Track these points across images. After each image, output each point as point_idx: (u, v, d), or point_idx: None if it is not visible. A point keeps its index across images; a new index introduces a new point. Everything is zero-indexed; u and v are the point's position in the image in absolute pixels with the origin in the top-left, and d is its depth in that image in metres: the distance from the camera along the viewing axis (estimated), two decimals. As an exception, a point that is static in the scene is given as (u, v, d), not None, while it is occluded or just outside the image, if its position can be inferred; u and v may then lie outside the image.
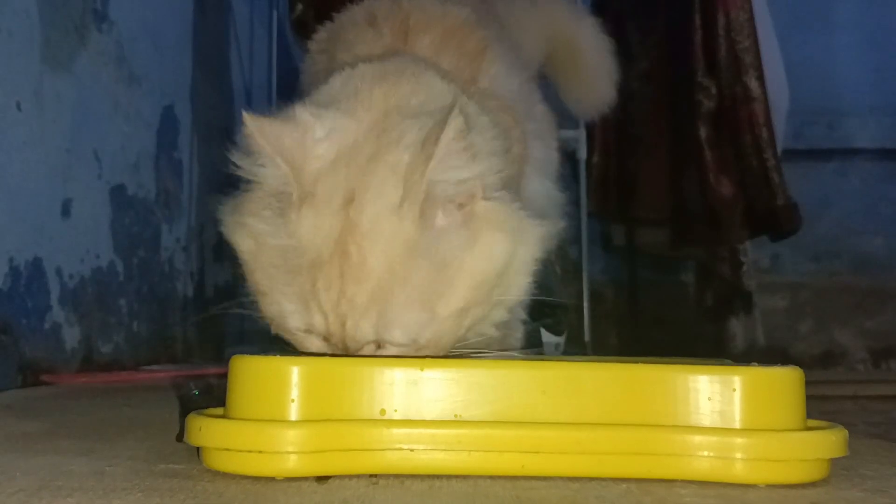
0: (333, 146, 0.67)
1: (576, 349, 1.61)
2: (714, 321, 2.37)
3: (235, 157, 0.67)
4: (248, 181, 0.69)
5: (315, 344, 0.67)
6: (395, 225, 0.63)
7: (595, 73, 1.35)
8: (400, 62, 0.77)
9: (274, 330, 0.69)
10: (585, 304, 1.72)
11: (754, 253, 2.38)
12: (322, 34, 0.95)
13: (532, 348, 0.80)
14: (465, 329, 0.68)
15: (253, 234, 0.68)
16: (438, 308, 0.65)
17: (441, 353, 0.67)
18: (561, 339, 1.45)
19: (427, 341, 0.65)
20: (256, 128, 0.64)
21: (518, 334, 0.91)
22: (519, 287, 0.72)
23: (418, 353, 0.66)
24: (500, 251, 0.67)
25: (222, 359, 1.63)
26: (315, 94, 0.75)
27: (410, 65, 0.76)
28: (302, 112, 0.68)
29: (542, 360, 0.65)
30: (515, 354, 0.72)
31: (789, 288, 2.65)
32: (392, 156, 0.65)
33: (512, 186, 0.72)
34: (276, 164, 0.65)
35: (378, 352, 0.65)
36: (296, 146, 0.65)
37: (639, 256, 2.48)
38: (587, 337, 1.68)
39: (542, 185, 0.98)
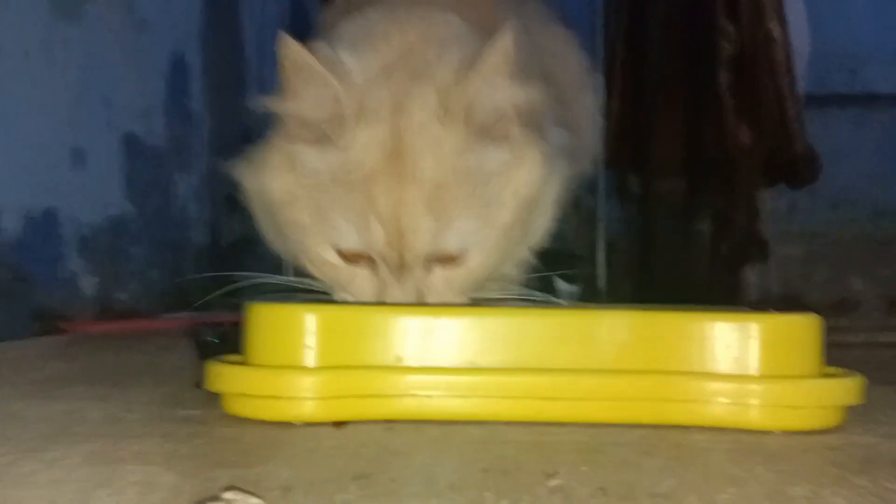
0: (362, 72, 0.67)
1: (591, 298, 1.60)
2: (729, 270, 2.35)
3: (263, 100, 0.68)
4: (267, 132, 0.69)
5: (361, 279, 0.67)
6: (441, 132, 0.65)
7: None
8: (417, 7, 0.76)
9: (316, 268, 0.69)
10: (601, 253, 1.71)
11: (771, 201, 2.35)
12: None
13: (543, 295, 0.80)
14: (503, 255, 0.69)
15: (292, 166, 0.68)
16: (490, 217, 0.66)
17: (481, 283, 0.69)
18: (576, 288, 1.45)
19: (479, 256, 0.67)
20: (301, 51, 0.63)
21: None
22: (541, 228, 0.74)
23: (467, 281, 0.67)
24: (538, 177, 0.69)
25: (237, 307, 1.64)
26: (325, 38, 0.74)
27: (427, 9, 0.76)
28: (322, 47, 0.68)
29: (558, 306, 0.65)
30: (533, 299, 0.72)
31: (805, 236, 2.62)
32: (434, 73, 0.67)
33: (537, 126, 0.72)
34: (325, 83, 0.64)
35: (427, 282, 0.66)
36: (336, 66, 0.66)
37: (654, 205, 2.46)
38: (602, 285, 1.67)
39: (560, 133, 0.98)
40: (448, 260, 0.67)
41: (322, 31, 0.82)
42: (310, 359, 0.56)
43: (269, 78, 2.18)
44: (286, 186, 0.68)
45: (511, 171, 0.67)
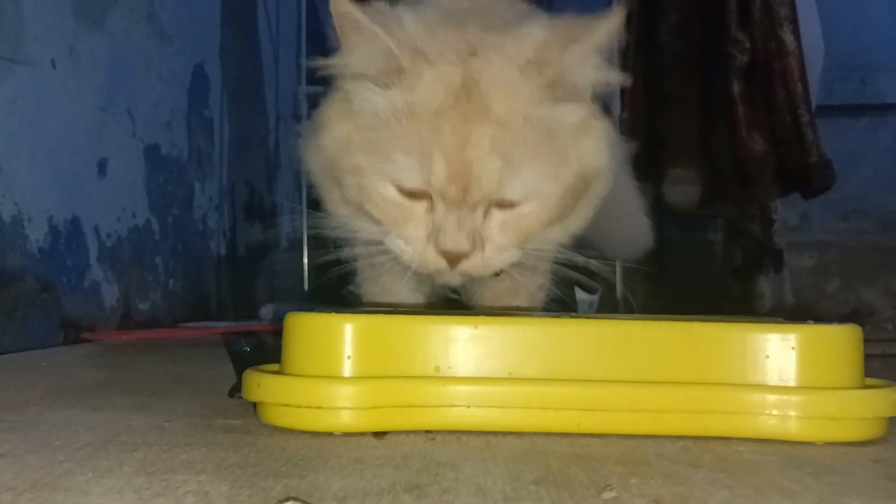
0: (426, 16, 0.68)
1: (609, 308, 1.61)
2: (743, 279, 2.35)
3: (319, 61, 0.68)
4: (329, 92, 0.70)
5: (417, 219, 0.67)
6: (521, 80, 0.65)
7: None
8: None
9: (376, 211, 0.68)
10: (618, 262, 1.71)
11: (783, 211, 2.35)
12: None
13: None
14: (557, 215, 0.69)
15: (349, 113, 0.68)
16: (554, 172, 0.66)
17: (534, 237, 0.69)
18: (595, 298, 1.45)
19: (538, 206, 0.67)
20: (347, 5, 0.64)
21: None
22: (582, 217, 0.74)
23: (521, 228, 0.67)
24: (602, 149, 0.69)
25: (255, 316, 1.65)
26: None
27: None
28: (379, 3, 0.68)
29: (596, 317, 0.65)
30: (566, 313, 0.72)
31: (817, 246, 2.62)
32: (518, 29, 0.67)
33: None
34: (378, 40, 0.64)
35: (485, 225, 0.66)
36: (387, 19, 0.66)
37: (667, 214, 2.46)
38: (619, 295, 1.67)
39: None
40: (508, 205, 0.67)
41: None
42: (348, 368, 0.56)
43: (286, 89, 2.20)
44: (344, 132, 0.68)
45: (579, 135, 0.68)
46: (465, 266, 0.67)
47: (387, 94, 0.66)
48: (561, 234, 0.74)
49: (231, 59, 1.86)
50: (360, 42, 0.65)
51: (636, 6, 2.21)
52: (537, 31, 0.67)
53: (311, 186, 0.77)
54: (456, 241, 0.65)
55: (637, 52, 2.23)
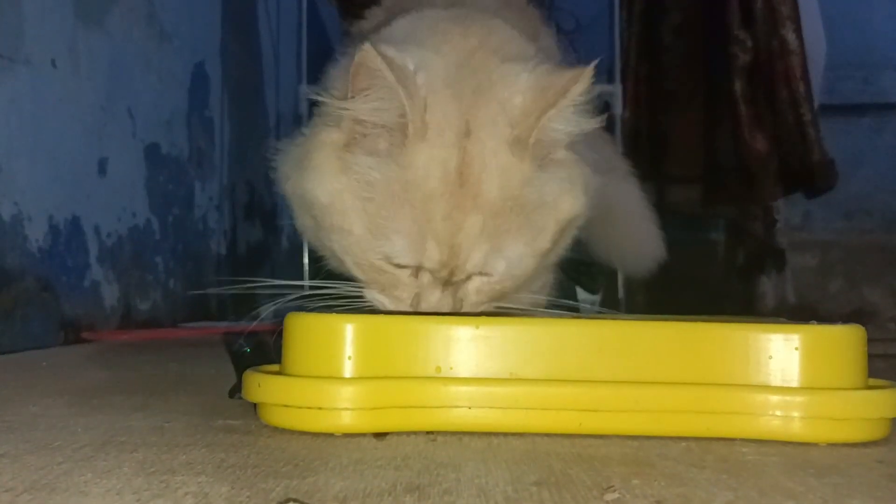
0: (428, 79, 0.67)
1: (610, 307, 1.60)
2: (745, 279, 2.35)
3: (327, 95, 0.68)
4: (317, 120, 0.70)
5: (404, 285, 0.67)
6: (511, 160, 0.66)
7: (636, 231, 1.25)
8: (467, 9, 0.77)
9: (360, 269, 0.69)
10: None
11: (785, 211, 2.35)
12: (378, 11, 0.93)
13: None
14: (534, 274, 0.71)
15: (346, 171, 0.67)
16: (536, 244, 0.68)
17: (508, 295, 0.70)
18: (596, 298, 1.45)
19: (514, 277, 0.68)
20: (379, 60, 0.63)
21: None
22: (567, 242, 0.75)
23: (496, 291, 0.68)
24: (581, 205, 0.70)
25: (255, 316, 1.64)
26: (378, 36, 0.74)
27: (478, 12, 0.77)
28: (386, 48, 0.66)
29: (599, 318, 0.65)
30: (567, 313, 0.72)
31: (820, 246, 2.61)
32: (503, 94, 0.67)
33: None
34: (394, 97, 0.64)
35: (463, 291, 0.67)
36: (403, 78, 0.65)
37: (669, 214, 2.45)
38: (621, 295, 1.67)
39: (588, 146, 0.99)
40: (486, 274, 0.68)
41: (369, 31, 0.81)
42: (349, 369, 0.56)
43: (286, 88, 2.20)
44: (337, 192, 0.67)
45: (559, 199, 0.69)
46: None
47: (383, 168, 0.66)
48: (539, 281, 0.76)
49: (231, 58, 1.86)
50: (375, 93, 0.65)
51: (639, 6, 2.21)
52: (517, 95, 0.67)
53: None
54: (440, 307, 0.67)
55: (639, 51, 2.23)
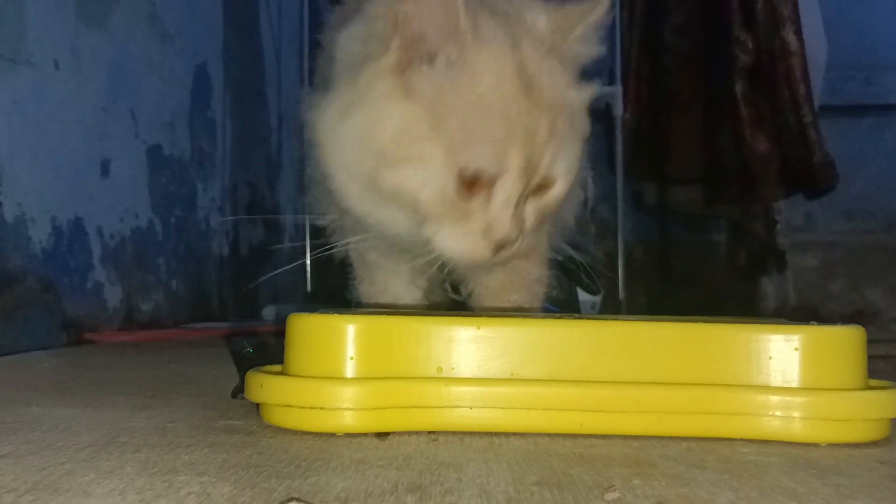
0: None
1: (611, 308, 1.60)
2: (746, 280, 2.35)
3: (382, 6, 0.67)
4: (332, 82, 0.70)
5: (477, 223, 0.67)
6: (554, 65, 0.69)
7: None
8: None
9: (423, 204, 0.66)
10: (621, 263, 1.71)
11: (787, 211, 2.35)
12: None
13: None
14: (571, 191, 0.74)
15: (410, 92, 0.65)
16: (577, 149, 0.71)
17: (553, 216, 0.74)
18: (597, 299, 1.45)
19: (565, 187, 0.71)
20: None
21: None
22: (576, 198, 0.80)
23: (547, 211, 0.71)
24: (588, 122, 0.73)
25: (258, 317, 1.65)
26: None
27: None
28: None
29: (599, 318, 0.65)
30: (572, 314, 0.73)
31: (821, 247, 2.61)
32: (525, 16, 0.70)
33: None
34: (446, 3, 0.64)
35: (527, 212, 0.69)
36: None
37: (670, 215, 2.46)
38: (622, 296, 1.67)
39: None
40: (541, 189, 0.70)
41: None
42: (351, 369, 0.56)
43: (288, 89, 2.20)
44: (402, 117, 0.65)
45: (580, 115, 0.72)
46: (506, 253, 0.68)
47: (450, 76, 0.64)
48: (563, 218, 0.80)
49: (233, 59, 1.86)
50: (430, 5, 0.64)
51: (640, 6, 2.21)
52: (541, 20, 0.70)
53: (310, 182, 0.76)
54: (511, 230, 0.67)
55: (641, 52, 2.23)
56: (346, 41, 0.71)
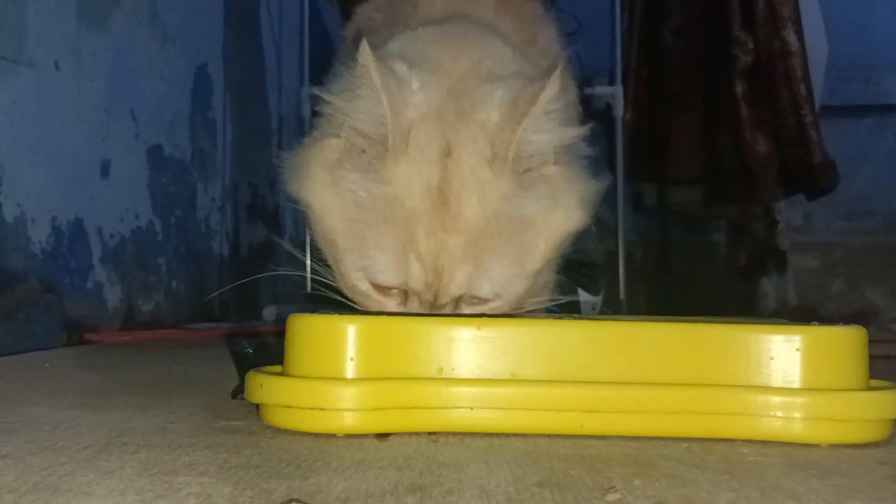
0: (425, 101, 0.67)
1: (612, 308, 1.60)
2: (746, 280, 2.35)
3: (326, 93, 0.67)
4: (317, 133, 0.70)
5: (390, 309, 0.67)
6: (490, 178, 0.65)
7: None
8: (462, 26, 0.77)
9: (348, 290, 0.69)
10: (621, 264, 1.71)
11: (786, 211, 2.35)
12: (373, 14, 0.93)
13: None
14: (528, 294, 0.69)
15: (336, 186, 0.67)
16: (525, 265, 0.66)
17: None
18: (598, 299, 1.45)
19: (505, 301, 0.67)
20: (371, 61, 0.63)
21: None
22: (566, 249, 0.73)
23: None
24: (574, 220, 0.69)
25: (258, 317, 1.65)
26: (379, 51, 0.74)
27: (473, 28, 0.77)
28: (399, 64, 0.67)
29: (600, 319, 0.65)
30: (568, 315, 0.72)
31: (821, 247, 2.61)
32: (480, 115, 0.67)
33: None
34: (378, 102, 0.64)
35: (458, 310, 0.66)
36: (396, 91, 0.65)
37: (670, 215, 2.46)
38: (623, 296, 1.67)
39: (583, 144, 0.99)
40: (478, 301, 0.67)
41: (357, 35, 0.81)
42: (351, 370, 0.56)
43: (288, 89, 2.20)
44: (327, 204, 0.68)
45: (548, 217, 0.68)
46: None
47: (368, 185, 0.65)
48: (537, 294, 0.74)
49: (234, 59, 1.86)
50: (365, 98, 0.65)
51: (640, 7, 2.21)
52: (493, 112, 0.67)
53: None
54: None
55: (641, 53, 2.23)
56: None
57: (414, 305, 0.66)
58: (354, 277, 0.67)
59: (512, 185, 0.66)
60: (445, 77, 0.69)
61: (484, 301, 0.67)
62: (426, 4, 0.84)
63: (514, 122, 0.65)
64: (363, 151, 0.66)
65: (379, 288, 0.67)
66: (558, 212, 0.68)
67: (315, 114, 0.73)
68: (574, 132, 0.68)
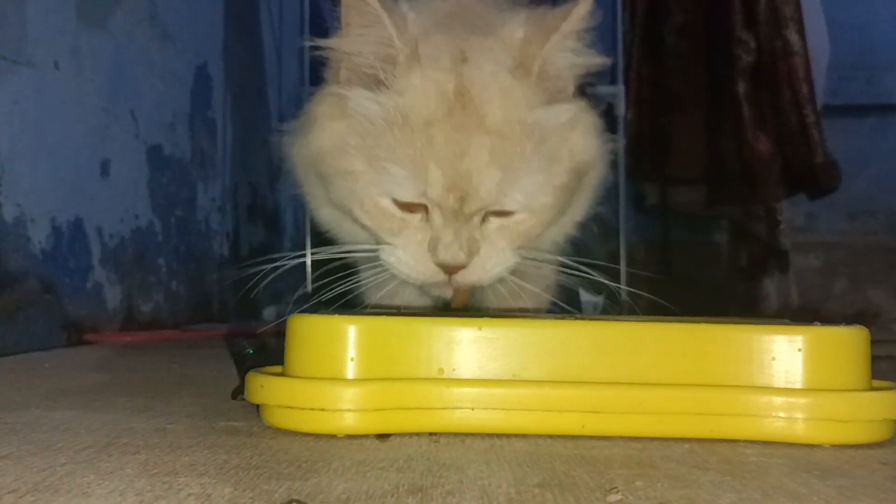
0: (419, 19, 0.67)
1: (613, 309, 1.60)
2: (748, 280, 2.34)
3: (319, 41, 0.68)
4: (317, 90, 0.70)
5: (413, 228, 0.66)
6: (512, 84, 0.65)
7: None
8: None
9: (367, 219, 0.67)
10: (622, 264, 1.71)
11: (788, 212, 2.34)
12: None
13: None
14: (554, 216, 0.69)
15: (344, 112, 0.67)
16: (552, 175, 0.66)
17: (531, 240, 0.68)
18: (599, 299, 1.44)
19: (532, 213, 0.66)
20: None
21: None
22: (578, 212, 0.74)
23: (519, 233, 0.67)
24: (592, 143, 0.69)
25: (258, 317, 1.64)
26: None
27: None
28: None
29: (601, 319, 0.65)
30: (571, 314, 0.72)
31: (823, 247, 2.61)
32: (502, 30, 0.67)
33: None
34: (381, 25, 0.64)
35: (483, 231, 0.65)
36: (391, 10, 0.65)
37: (672, 215, 2.45)
38: (624, 296, 1.66)
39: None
40: (505, 214, 0.66)
41: None
42: (352, 370, 0.56)
43: (288, 89, 2.19)
44: (337, 134, 0.67)
45: (568, 132, 0.67)
46: (463, 276, 0.67)
47: (380, 98, 0.65)
48: (559, 234, 0.73)
49: (234, 59, 1.86)
50: (363, 25, 0.65)
51: (642, 7, 2.21)
52: (518, 29, 0.67)
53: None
54: (453, 252, 0.65)
55: (642, 52, 2.23)
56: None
57: (438, 221, 0.64)
58: (376, 197, 0.66)
59: (535, 93, 0.65)
60: (446, 5, 0.70)
61: (510, 214, 0.66)
62: None
63: (542, 37, 0.64)
64: (370, 73, 0.66)
65: (401, 206, 0.65)
66: (578, 131, 0.68)
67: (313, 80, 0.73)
68: (598, 59, 0.67)
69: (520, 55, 0.65)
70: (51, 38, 1.17)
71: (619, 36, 1.84)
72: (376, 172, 0.65)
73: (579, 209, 0.73)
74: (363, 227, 0.69)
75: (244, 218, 1.92)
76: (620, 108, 1.72)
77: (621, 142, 1.75)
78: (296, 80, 2.14)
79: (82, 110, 1.25)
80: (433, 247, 0.65)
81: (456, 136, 0.63)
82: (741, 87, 2.08)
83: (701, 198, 2.24)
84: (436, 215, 0.65)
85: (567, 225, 0.74)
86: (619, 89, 1.74)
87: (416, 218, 0.66)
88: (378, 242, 0.69)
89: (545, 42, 0.64)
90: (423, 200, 0.65)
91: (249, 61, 2.01)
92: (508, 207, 0.65)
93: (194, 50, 1.67)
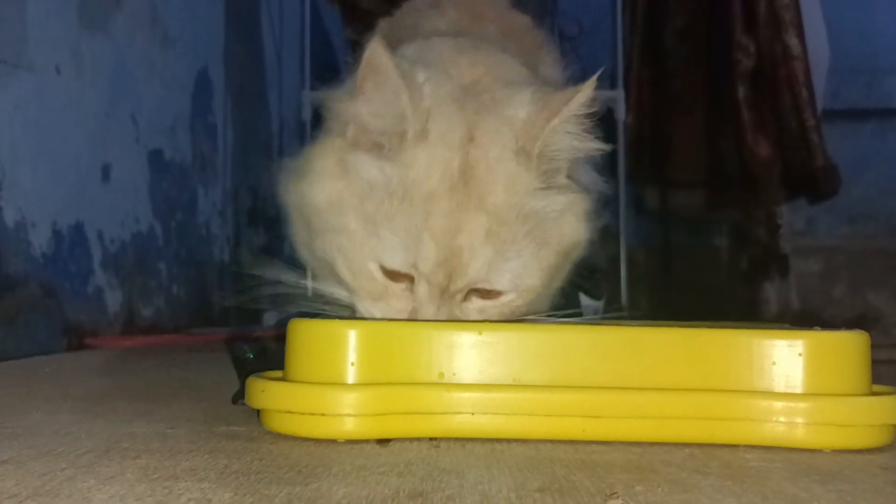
0: (434, 92, 0.67)
1: (613, 313, 1.60)
2: (749, 285, 2.34)
3: (331, 93, 0.69)
4: (321, 134, 0.70)
5: (396, 297, 0.66)
6: (516, 168, 0.65)
7: None
8: (474, 39, 0.78)
9: (350, 278, 0.68)
10: (623, 268, 1.71)
11: (788, 216, 2.34)
12: (384, 25, 0.93)
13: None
14: (538, 295, 0.69)
15: (345, 171, 0.67)
16: (541, 258, 0.66)
17: (511, 318, 0.68)
18: (600, 303, 1.44)
19: (519, 295, 0.67)
20: (386, 56, 0.63)
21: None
22: (564, 277, 0.75)
23: (500, 314, 0.67)
24: (583, 228, 0.70)
25: (259, 322, 1.65)
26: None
27: (485, 43, 0.77)
28: (399, 60, 0.66)
29: (601, 324, 0.65)
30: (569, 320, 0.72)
31: (824, 251, 2.61)
32: (507, 110, 0.67)
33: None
34: (397, 100, 0.64)
35: (463, 310, 0.66)
36: (409, 83, 0.65)
37: (672, 219, 2.45)
38: (624, 300, 1.66)
39: (588, 173, 0.99)
40: (488, 293, 0.67)
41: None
42: (352, 375, 0.56)
43: (289, 93, 2.20)
44: (336, 192, 0.67)
45: (560, 217, 0.68)
46: None
47: (384, 167, 0.65)
48: (538, 301, 0.74)
49: (234, 63, 1.86)
50: (380, 93, 0.65)
51: (642, 11, 2.21)
52: (522, 109, 0.67)
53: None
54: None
55: (642, 56, 2.23)
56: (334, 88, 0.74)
57: (423, 294, 0.65)
58: (365, 258, 0.66)
59: (535, 179, 0.66)
60: (460, 77, 0.70)
61: (497, 294, 0.66)
62: (428, 22, 0.85)
63: (543, 119, 0.65)
64: (377, 142, 0.66)
65: (388, 273, 0.66)
66: (571, 219, 0.69)
67: (317, 118, 0.73)
68: (596, 144, 0.68)
69: (522, 136, 0.66)
70: (51, 42, 1.17)
71: (620, 39, 1.84)
72: (369, 236, 0.66)
73: (560, 279, 0.74)
74: (342, 281, 0.69)
75: (245, 222, 1.93)
76: (620, 113, 1.72)
77: (621, 146, 1.75)
78: (297, 84, 2.14)
79: (83, 114, 1.25)
80: (413, 316, 0.66)
81: (454, 213, 0.64)
82: (741, 92, 2.08)
83: (701, 202, 2.24)
84: (421, 288, 0.65)
85: (547, 294, 0.75)
86: (619, 93, 1.73)
87: (399, 287, 0.67)
88: (351, 296, 0.70)
89: (546, 125, 0.65)
90: (411, 271, 0.65)
91: (250, 65, 2.01)
92: (496, 287, 0.66)
93: (195, 54, 1.67)
